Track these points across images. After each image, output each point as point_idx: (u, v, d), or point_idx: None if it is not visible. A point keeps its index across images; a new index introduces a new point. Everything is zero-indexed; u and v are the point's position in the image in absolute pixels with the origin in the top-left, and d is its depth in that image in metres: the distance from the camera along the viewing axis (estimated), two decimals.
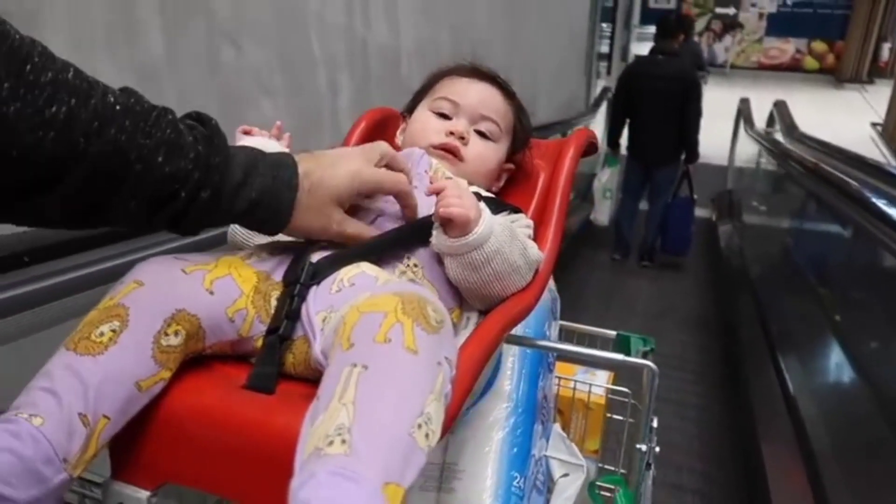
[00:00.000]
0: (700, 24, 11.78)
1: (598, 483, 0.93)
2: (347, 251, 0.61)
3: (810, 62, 12.04)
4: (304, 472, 0.40)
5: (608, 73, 6.73)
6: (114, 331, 0.50)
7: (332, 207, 0.59)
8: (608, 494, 0.93)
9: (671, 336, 3.21)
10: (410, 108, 0.86)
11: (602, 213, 4.46)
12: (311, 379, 0.53)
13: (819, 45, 11.92)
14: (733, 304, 3.24)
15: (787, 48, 12.13)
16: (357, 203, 0.64)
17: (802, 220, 3.48)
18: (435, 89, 0.83)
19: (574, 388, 1.14)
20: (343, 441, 0.41)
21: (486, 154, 0.79)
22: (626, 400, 1.02)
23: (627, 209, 4.26)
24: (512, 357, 0.94)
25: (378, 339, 0.46)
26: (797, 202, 3.39)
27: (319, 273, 0.58)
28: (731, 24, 12.10)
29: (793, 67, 12.05)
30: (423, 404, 0.45)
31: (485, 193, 0.75)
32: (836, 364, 2.31)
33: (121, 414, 0.50)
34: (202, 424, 0.51)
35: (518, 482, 0.86)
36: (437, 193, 0.62)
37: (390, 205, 0.66)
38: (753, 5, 12.02)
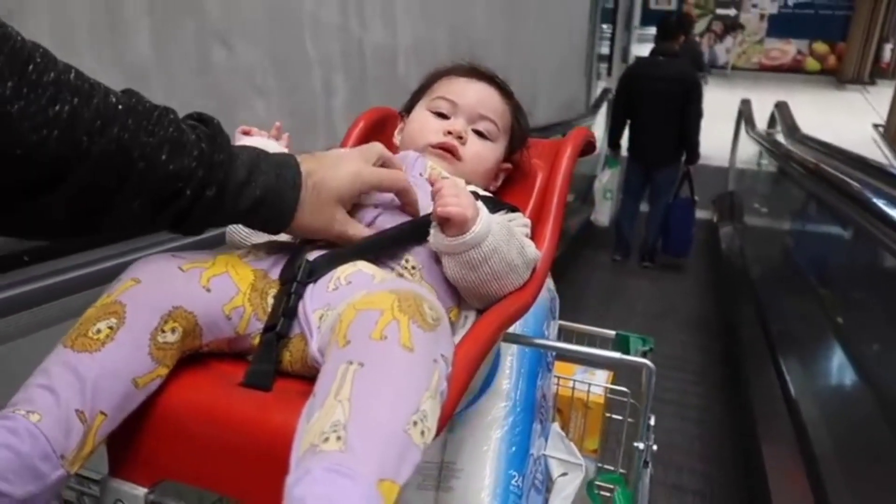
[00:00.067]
0: (701, 26, 11.77)
1: (596, 482, 0.93)
2: (345, 249, 0.61)
3: (812, 63, 12.02)
4: (299, 469, 0.41)
5: (608, 74, 6.73)
6: (111, 328, 0.51)
7: (334, 207, 0.59)
8: (607, 494, 0.93)
9: (672, 337, 3.21)
10: (408, 108, 0.86)
11: (603, 214, 4.46)
12: (308, 377, 0.53)
13: (820, 46, 11.91)
14: (734, 305, 3.24)
15: (788, 49, 12.11)
16: (356, 200, 0.64)
17: (804, 221, 3.47)
18: (433, 89, 0.83)
19: (573, 388, 1.15)
20: (338, 438, 0.41)
21: (483, 153, 0.80)
22: (626, 399, 1.02)
23: (628, 210, 4.26)
24: (510, 356, 0.94)
25: (374, 337, 0.47)
26: (799, 204, 3.39)
27: (316, 271, 0.58)
28: (732, 26, 12.09)
29: (794, 68, 12.04)
30: (418, 401, 0.45)
31: (482, 193, 0.76)
32: (837, 365, 2.30)
33: (118, 410, 0.50)
34: (199, 421, 0.51)
35: (516, 481, 0.86)
36: (435, 188, 0.62)
37: (389, 202, 0.67)
38: (754, 6, 12.01)
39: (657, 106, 3.83)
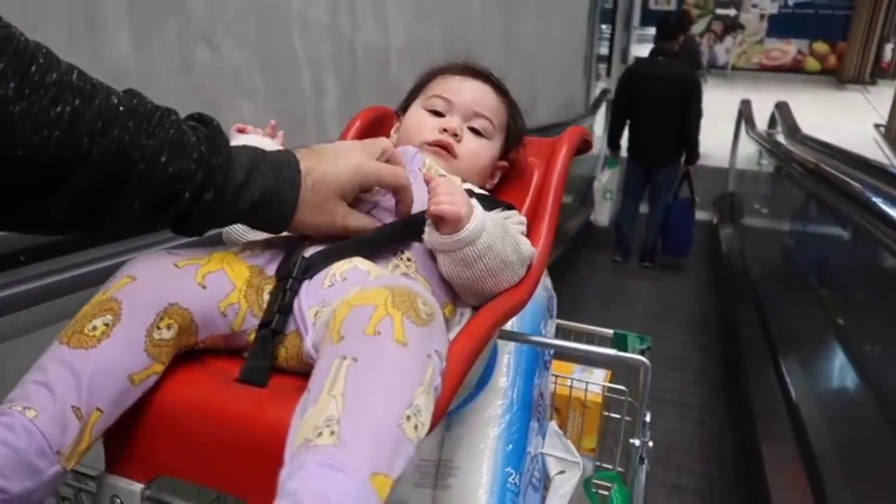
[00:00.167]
0: (700, 26, 11.77)
1: (594, 480, 0.93)
2: (340, 246, 0.61)
3: (812, 63, 12.03)
4: (293, 463, 0.41)
5: (608, 74, 6.73)
6: (106, 324, 0.51)
7: (335, 202, 0.59)
8: (604, 492, 0.93)
9: (672, 337, 3.21)
10: (404, 107, 0.86)
11: (602, 214, 4.47)
12: (304, 373, 0.53)
13: (821, 46, 11.91)
14: (734, 306, 3.24)
15: (788, 49, 12.12)
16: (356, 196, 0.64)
17: (805, 222, 3.47)
18: (428, 87, 0.84)
19: (571, 387, 1.15)
20: (332, 432, 0.41)
21: (479, 151, 0.80)
22: (623, 398, 1.02)
23: (628, 210, 4.27)
24: (507, 354, 0.94)
25: (368, 332, 0.47)
26: (799, 204, 3.39)
27: (312, 268, 0.59)
28: (732, 26, 12.09)
29: (794, 69, 12.04)
30: (412, 396, 0.45)
31: (478, 191, 0.76)
32: (837, 365, 2.30)
33: (114, 407, 0.50)
34: (195, 417, 0.52)
35: (513, 479, 0.86)
36: (430, 186, 0.62)
37: (387, 198, 0.67)
38: (754, 6, 12.01)
39: (657, 106, 3.83)
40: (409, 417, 0.44)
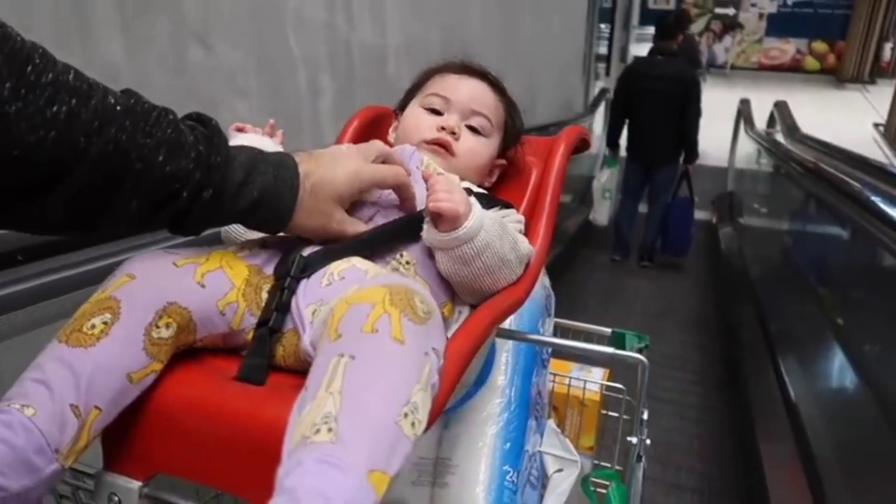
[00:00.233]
0: (700, 25, 11.78)
1: (591, 478, 0.93)
2: (339, 245, 0.61)
3: (811, 62, 12.03)
4: (291, 460, 0.41)
5: (607, 74, 6.73)
6: (105, 323, 0.51)
7: (332, 207, 0.60)
8: (602, 490, 0.93)
9: (671, 336, 3.21)
10: (402, 106, 0.87)
11: (601, 213, 4.47)
12: (301, 371, 0.53)
13: (820, 46, 11.92)
14: (733, 305, 3.24)
15: (787, 48, 12.13)
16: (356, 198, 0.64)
17: (804, 221, 3.47)
18: (426, 86, 0.84)
19: (569, 385, 1.15)
20: (329, 429, 0.41)
21: (477, 149, 0.80)
22: (621, 396, 1.02)
23: (627, 210, 4.27)
24: (505, 352, 0.94)
25: (365, 330, 0.47)
26: (798, 204, 3.39)
27: (310, 267, 0.59)
28: (731, 25, 12.10)
29: (793, 68, 12.05)
30: (409, 393, 0.45)
31: (476, 189, 0.76)
32: (836, 365, 2.30)
33: (112, 405, 0.50)
34: (193, 415, 0.52)
35: (511, 477, 0.86)
36: (428, 184, 0.62)
37: (387, 198, 0.67)
38: (753, 5, 12.02)
39: (656, 105, 3.84)
40: (406, 415, 0.44)
